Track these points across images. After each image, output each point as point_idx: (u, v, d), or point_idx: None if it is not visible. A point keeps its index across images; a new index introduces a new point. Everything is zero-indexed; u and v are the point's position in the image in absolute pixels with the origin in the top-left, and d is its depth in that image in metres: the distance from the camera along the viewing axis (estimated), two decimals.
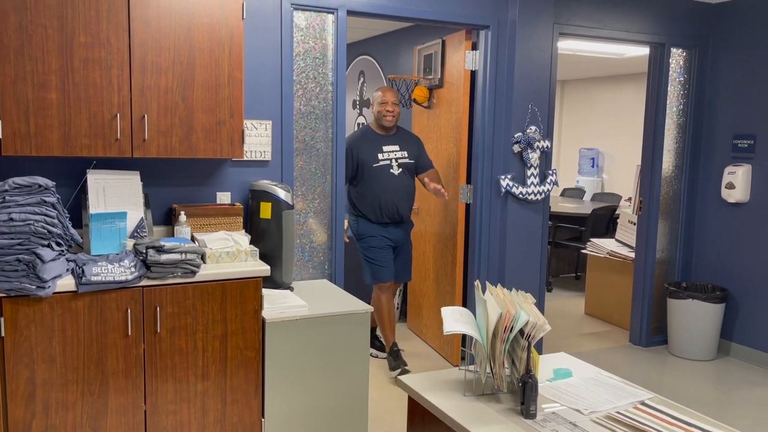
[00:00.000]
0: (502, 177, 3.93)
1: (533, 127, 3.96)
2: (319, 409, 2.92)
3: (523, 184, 3.98)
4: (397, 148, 4.05)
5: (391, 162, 4.01)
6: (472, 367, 1.85)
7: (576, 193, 8.75)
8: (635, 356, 4.63)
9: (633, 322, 4.86)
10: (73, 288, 2.43)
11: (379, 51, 5.86)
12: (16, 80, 2.53)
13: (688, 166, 4.74)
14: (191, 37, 2.81)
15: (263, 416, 2.85)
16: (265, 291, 3.07)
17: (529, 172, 3.99)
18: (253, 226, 3.18)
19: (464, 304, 4.22)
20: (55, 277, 2.39)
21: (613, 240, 5.53)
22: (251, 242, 3.18)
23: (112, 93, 2.69)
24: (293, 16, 3.33)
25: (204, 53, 2.84)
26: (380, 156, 4.00)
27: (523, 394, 1.67)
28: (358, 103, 6.30)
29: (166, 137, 2.81)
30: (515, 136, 3.94)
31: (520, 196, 3.96)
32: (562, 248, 6.61)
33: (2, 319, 2.35)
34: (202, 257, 2.80)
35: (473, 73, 4.03)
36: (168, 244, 2.59)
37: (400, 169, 4.02)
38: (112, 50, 2.67)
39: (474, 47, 4.02)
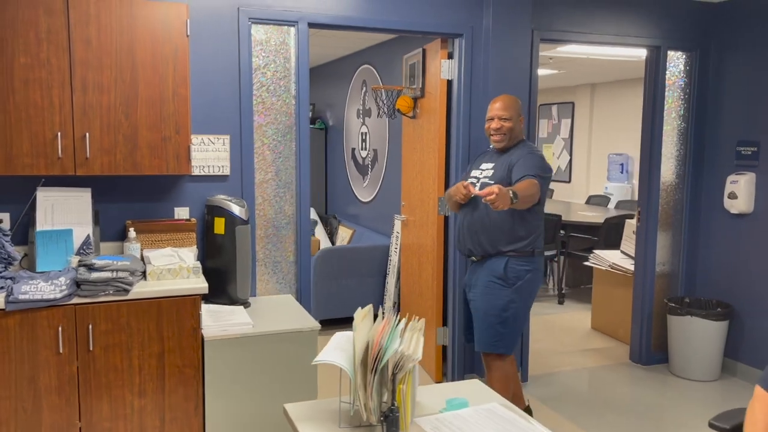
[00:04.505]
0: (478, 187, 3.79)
1: None
2: (263, 428, 2.87)
3: None
4: (491, 165, 3.17)
5: (476, 183, 3.16)
6: (345, 398, 1.77)
7: (600, 200, 8.44)
8: (633, 375, 4.39)
9: (633, 339, 4.62)
10: (2, 306, 2.47)
11: (379, 60, 5.81)
12: None
13: (690, 175, 4.48)
14: (133, 55, 2.83)
15: None
16: (213, 307, 3.06)
17: None
18: (208, 241, 3.17)
19: (444, 319, 4.11)
20: None
21: (619, 252, 5.28)
22: (206, 257, 3.17)
23: (54, 112, 2.73)
24: (251, 29, 3.31)
25: (147, 70, 2.85)
26: (472, 173, 3.27)
27: (385, 429, 1.58)
28: (361, 112, 6.26)
29: (110, 155, 2.83)
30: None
31: None
32: (576, 259, 6.37)
33: None
34: (144, 274, 2.81)
35: (450, 83, 3.92)
36: (99, 262, 2.60)
37: None
38: (52, 70, 2.71)
39: (450, 56, 3.91)
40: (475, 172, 3.26)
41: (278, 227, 3.50)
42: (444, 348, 4.13)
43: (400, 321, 1.82)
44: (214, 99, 3.26)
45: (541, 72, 7.80)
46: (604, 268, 5.13)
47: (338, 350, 1.76)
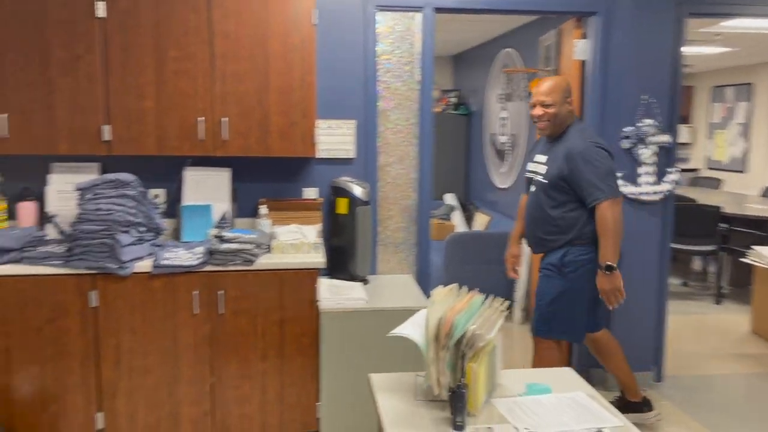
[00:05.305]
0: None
1: (648, 121, 3.57)
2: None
3: (635, 182, 3.62)
4: (545, 159, 3.03)
5: (532, 176, 3.11)
6: (423, 372, 1.81)
7: None
8: None
9: None
10: (149, 269, 2.83)
11: (521, 43, 5.68)
12: (120, 92, 2.99)
13: None
14: (266, 46, 3.06)
15: (318, 400, 3.02)
16: (334, 282, 3.24)
17: (641, 170, 3.61)
18: (331, 220, 3.36)
19: None
20: (134, 259, 2.80)
21: None
22: (330, 235, 3.37)
23: (197, 100, 3.05)
24: (377, 16, 3.42)
25: (278, 60, 3.08)
26: (528, 166, 3.19)
27: (451, 404, 1.61)
28: (503, 97, 6.17)
29: (244, 138, 3.10)
30: (624, 130, 3.59)
31: (630, 196, 3.60)
32: (740, 255, 5.76)
33: (96, 292, 2.82)
34: (269, 248, 3.05)
35: (584, 64, 3.75)
36: (229, 234, 2.88)
37: (535, 188, 3.06)
38: (197, 62, 3.03)
39: (585, 36, 3.74)
40: (530, 166, 3.15)
41: (400, 209, 3.60)
42: None
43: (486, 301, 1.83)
44: (341, 85, 3.42)
45: (708, 50, 7.12)
46: (765, 266, 4.60)
47: (416, 325, 1.82)
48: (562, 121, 2.96)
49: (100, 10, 2.92)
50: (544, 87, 2.95)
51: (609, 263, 2.79)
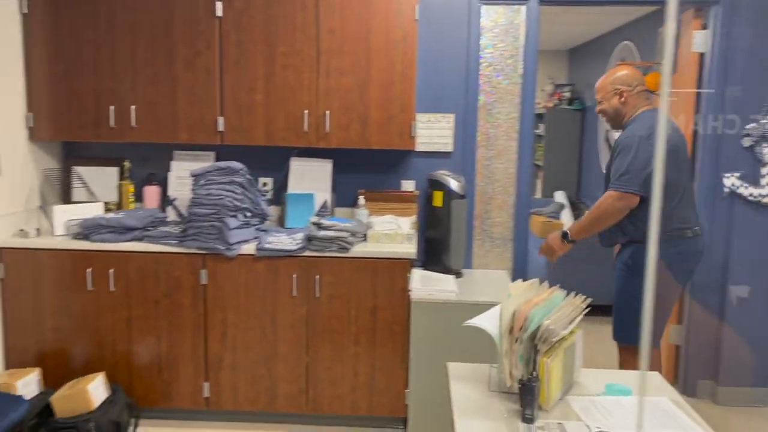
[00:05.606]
0: (727, 175, 3.38)
1: None
2: None
3: (756, 183, 3.36)
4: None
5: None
6: (497, 364, 1.82)
7: None
8: None
9: None
10: (254, 252, 3.02)
11: (640, 35, 5.41)
12: (234, 86, 3.21)
13: None
14: (368, 41, 3.16)
15: (407, 387, 3.08)
16: (427, 273, 3.29)
17: (765, 170, 3.35)
18: (427, 212, 3.41)
19: (680, 315, 3.76)
20: (240, 242, 3.01)
21: None
22: (426, 227, 3.42)
23: (303, 93, 3.20)
24: (481, 10, 3.42)
25: (380, 55, 3.17)
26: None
27: (521, 397, 1.61)
28: None
29: (345, 130, 3.22)
30: (746, 127, 3.34)
31: (750, 197, 3.36)
32: None
33: (206, 270, 3.06)
34: (365, 237, 3.16)
35: (702, 57, 3.53)
36: (327, 222, 3.01)
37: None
38: (304, 57, 3.18)
39: (705, 27, 3.51)
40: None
41: (497, 204, 3.58)
42: (678, 348, 3.79)
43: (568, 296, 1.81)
44: (441, 80, 3.46)
45: None
46: None
47: (492, 317, 1.83)
48: (620, 115, 2.91)
49: (219, 9, 3.15)
50: (598, 84, 2.96)
51: (568, 232, 2.83)
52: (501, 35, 3.47)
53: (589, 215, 2.77)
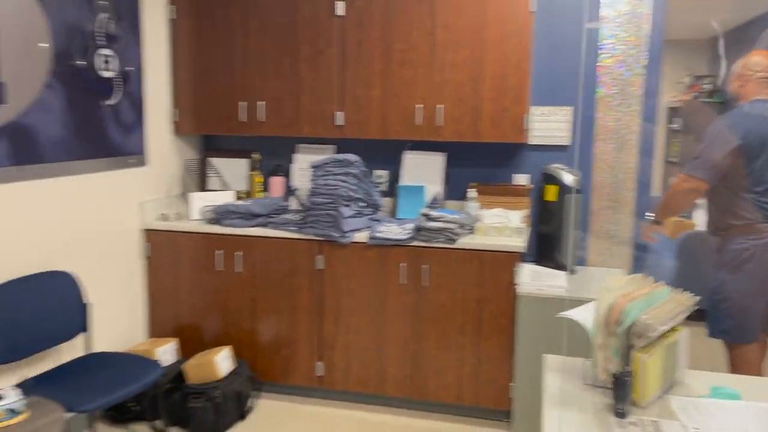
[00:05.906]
0: None
1: None
2: None
3: None
4: None
5: None
6: (592, 357, 1.79)
7: None
8: None
9: None
10: (366, 240, 3.16)
11: None
12: (353, 81, 3.37)
13: None
14: (483, 34, 3.18)
15: (512, 381, 3.08)
16: (538, 268, 3.27)
17: None
18: (541, 207, 3.37)
19: None
20: (353, 230, 3.16)
21: None
22: (539, 222, 3.39)
23: (417, 88, 3.29)
24: (601, 2, 3.32)
25: (494, 47, 3.18)
26: None
27: (614, 391, 1.59)
28: None
29: (457, 124, 3.27)
30: None
31: None
32: None
33: (322, 256, 3.25)
34: (473, 229, 3.19)
35: None
36: (435, 214, 3.08)
37: None
38: (419, 52, 3.27)
39: None
40: None
41: (615, 201, 3.46)
42: None
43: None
44: (557, 71, 3.40)
45: None
46: None
47: (590, 310, 1.81)
48: (734, 100, 2.89)
49: (340, 9, 3.32)
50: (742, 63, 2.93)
51: (651, 215, 2.98)
52: (623, 25, 3.34)
53: (665, 196, 2.91)
